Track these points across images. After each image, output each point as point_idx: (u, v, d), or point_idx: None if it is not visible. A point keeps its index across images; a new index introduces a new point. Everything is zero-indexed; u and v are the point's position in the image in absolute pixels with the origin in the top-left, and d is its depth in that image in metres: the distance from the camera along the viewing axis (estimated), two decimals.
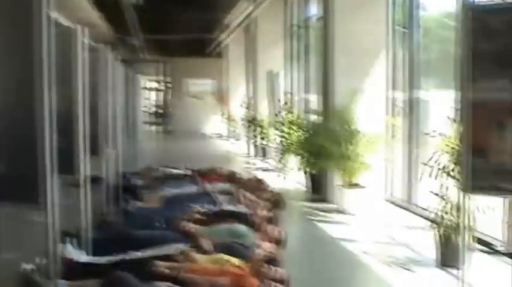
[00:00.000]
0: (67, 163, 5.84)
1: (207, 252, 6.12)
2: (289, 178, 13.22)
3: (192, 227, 7.07)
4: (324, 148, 9.98)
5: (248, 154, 19.35)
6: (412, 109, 9.91)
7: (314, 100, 15.24)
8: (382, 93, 10.48)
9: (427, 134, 8.43)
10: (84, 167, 6.26)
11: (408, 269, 6.66)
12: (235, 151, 20.94)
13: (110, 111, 8.69)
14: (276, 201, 8.77)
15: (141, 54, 29.56)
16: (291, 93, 15.78)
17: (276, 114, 15.35)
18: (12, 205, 4.74)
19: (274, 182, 12.13)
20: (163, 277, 5.43)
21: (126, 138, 12.54)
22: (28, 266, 5.20)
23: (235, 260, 5.81)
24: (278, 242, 6.81)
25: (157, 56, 30.77)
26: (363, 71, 10.32)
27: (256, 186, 9.95)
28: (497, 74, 5.29)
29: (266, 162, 17.27)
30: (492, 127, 5.27)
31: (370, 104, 10.12)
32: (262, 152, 18.12)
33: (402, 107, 10.31)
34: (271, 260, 6.12)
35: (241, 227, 7.04)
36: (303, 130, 11.71)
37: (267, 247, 6.42)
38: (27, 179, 4.43)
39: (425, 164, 6.79)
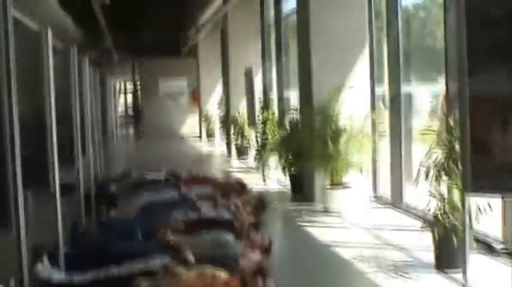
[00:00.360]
0: (39, 174, 5.45)
1: (190, 265, 5.71)
2: (269, 178, 12.81)
3: (173, 238, 6.65)
4: (304, 146, 9.61)
5: (227, 154, 18.90)
6: (397, 104, 9.54)
7: (293, 97, 14.99)
8: (365, 88, 10.10)
9: (423, 132, 8.05)
10: (56, 177, 5.85)
11: (405, 275, 6.28)
12: (213, 152, 20.53)
13: (82, 116, 8.30)
14: (259, 204, 8.36)
15: (112, 55, 29.02)
16: (268, 90, 15.37)
17: (254, 113, 14.98)
18: None
19: (254, 183, 11.75)
20: None
21: (100, 142, 12.15)
22: None
23: (221, 273, 5.41)
24: (265, 250, 6.39)
25: (128, 56, 30.27)
26: (344, 66, 9.96)
27: (238, 189, 9.55)
28: (496, 66, 4.97)
29: (245, 162, 16.87)
30: (494, 123, 4.95)
31: (353, 100, 9.75)
32: (241, 152, 17.72)
33: (387, 102, 9.95)
34: (259, 271, 5.74)
35: (225, 236, 6.63)
36: (281, 129, 11.29)
37: (254, 256, 6.02)
38: None
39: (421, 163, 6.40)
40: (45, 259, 5.82)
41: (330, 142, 9.40)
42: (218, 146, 21.69)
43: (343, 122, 9.56)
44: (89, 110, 9.81)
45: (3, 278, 5.08)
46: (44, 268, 5.71)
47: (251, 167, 15.18)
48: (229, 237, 6.55)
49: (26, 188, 4.23)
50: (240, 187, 9.60)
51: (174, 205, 8.50)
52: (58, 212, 5.89)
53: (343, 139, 9.43)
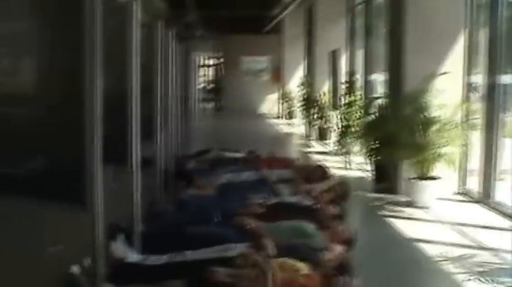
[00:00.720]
0: (117, 149, 5.25)
1: (269, 255, 5.41)
2: (351, 164, 12.39)
3: (254, 224, 6.36)
4: (394, 135, 9.16)
5: (307, 135, 18.51)
6: (493, 94, 8.99)
7: (379, 81, 14.50)
8: (459, 76, 9.57)
9: None
10: (138, 153, 5.65)
11: (495, 280, 5.83)
12: (291, 132, 20.18)
13: (165, 91, 8.11)
14: (342, 192, 7.99)
15: (195, 30, 28.92)
16: (353, 73, 14.89)
17: (338, 95, 14.60)
18: (55, 204, 4.13)
19: (334, 168, 11.41)
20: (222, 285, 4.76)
21: (181, 117, 11.98)
22: (75, 269, 4.58)
23: (302, 266, 5.10)
24: (348, 243, 6.03)
25: (211, 32, 30.14)
26: (438, 52, 9.45)
27: (319, 174, 9.20)
28: None
29: (325, 145, 16.48)
30: None
31: (445, 89, 9.24)
32: (322, 135, 17.33)
33: (481, 92, 9.41)
34: (343, 266, 5.42)
35: (307, 225, 6.30)
36: (368, 113, 10.84)
37: (338, 250, 5.66)
38: (72, 176, 3.80)
39: None
40: (121, 238, 5.63)
41: (419, 132, 8.94)
42: (297, 127, 21.31)
43: (434, 111, 9.08)
44: (172, 85, 9.64)
45: (79, 257, 4.92)
46: (119, 247, 5.53)
47: (332, 151, 14.75)
48: (311, 227, 6.22)
49: (104, 164, 4.00)
50: (322, 172, 9.26)
51: (253, 187, 8.23)
52: (137, 190, 5.69)
53: (433, 129, 8.95)
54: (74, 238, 6.39)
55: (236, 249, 5.37)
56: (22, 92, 3.92)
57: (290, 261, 5.14)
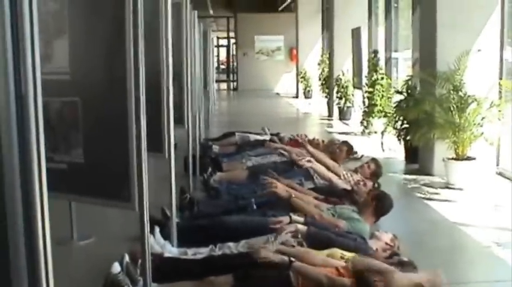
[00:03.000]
0: (153, 140, 4.97)
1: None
2: (374, 142, 12.05)
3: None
4: (428, 114, 8.84)
5: (327, 115, 18.17)
6: None
7: (405, 59, 14.18)
8: (495, 53, 9.21)
9: None
10: (172, 140, 5.39)
11: None
12: (311, 113, 19.84)
13: (191, 72, 7.83)
14: (375, 172, 7.70)
15: (210, 9, 28.55)
16: (377, 51, 14.53)
17: (361, 74, 14.27)
18: (99, 200, 3.86)
19: (360, 148, 11.08)
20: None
21: (202, 99, 11.72)
22: (115, 270, 4.32)
23: (350, 257, 4.81)
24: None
25: (225, 10, 29.77)
26: (472, 27, 9.08)
27: (347, 154, 8.90)
28: None
29: (347, 125, 16.17)
30: None
31: (480, 66, 8.89)
32: (342, 114, 17.02)
33: None
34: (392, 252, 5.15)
35: (351, 211, 6.02)
36: (399, 93, 10.50)
37: (387, 239, 5.35)
38: (116, 172, 3.52)
39: None
40: (157, 231, 5.38)
41: (455, 111, 8.62)
42: (316, 106, 20.98)
43: (469, 89, 8.74)
44: (196, 67, 9.37)
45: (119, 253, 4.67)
46: (156, 242, 5.27)
47: (354, 132, 14.43)
48: (354, 214, 5.93)
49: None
50: (349, 152, 8.95)
51: (283, 170, 7.97)
52: (172, 179, 5.43)
53: (470, 108, 8.61)
54: (113, 231, 6.20)
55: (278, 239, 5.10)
56: (62, 79, 3.64)
57: (338, 251, 4.87)
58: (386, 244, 5.28)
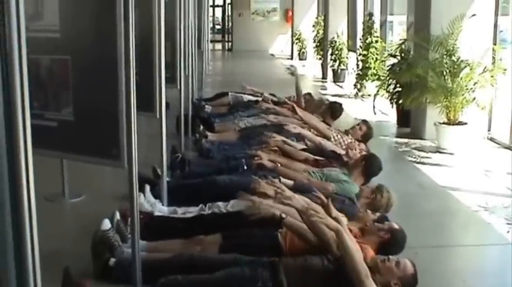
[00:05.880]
0: (145, 99, 4.98)
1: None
2: (367, 105, 12.05)
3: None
4: (421, 78, 8.84)
5: (322, 77, 18.11)
6: None
7: (400, 23, 14.10)
8: (489, 18, 9.18)
9: None
10: (163, 100, 5.39)
11: None
12: (304, 74, 19.77)
13: (184, 32, 7.80)
14: (366, 134, 7.70)
15: None
16: (372, 14, 14.45)
17: (355, 36, 14.23)
18: (90, 158, 3.88)
19: (353, 111, 11.11)
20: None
21: (196, 58, 11.66)
22: (105, 226, 4.35)
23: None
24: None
25: None
26: None
27: (336, 112, 8.80)
28: None
29: (339, 87, 16.15)
30: None
31: (474, 31, 8.88)
32: (336, 77, 16.98)
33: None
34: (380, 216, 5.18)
35: (339, 173, 6.05)
36: (392, 56, 10.49)
37: (367, 193, 5.41)
38: (106, 130, 3.54)
39: None
40: (148, 190, 5.41)
41: (448, 75, 8.62)
42: (310, 68, 20.91)
43: (462, 54, 8.74)
44: (190, 26, 9.32)
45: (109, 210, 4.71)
46: (147, 200, 5.31)
47: (347, 94, 14.40)
48: (342, 175, 5.96)
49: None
50: (338, 110, 8.81)
51: (275, 132, 7.96)
52: (163, 138, 5.45)
53: (463, 73, 8.62)
54: (104, 190, 6.23)
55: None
56: (52, 37, 3.63)
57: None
58: (367, 197, 5.35)
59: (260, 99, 10.27)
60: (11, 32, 1.55)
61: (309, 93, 10.10)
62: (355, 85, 14.04)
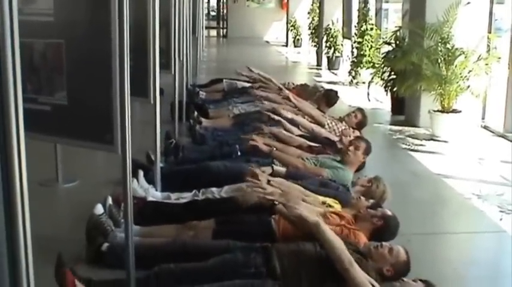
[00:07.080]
0: (139, 85, 4.97)
1: None
2: (361, 92, 12.02)
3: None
4: (415, 66, 8.84)
5: (317, 65, 18.06)
6: None
7: (395, 10, 14.09)
8: (484, 6, 9.18)
9: None
10: (157, 85, 5.37)
11: None
12: (299, 61, 19.76)
13: (178, 19, 7.77)
14: (360, 122, 7.70)
15: None
16: (367, 1, 14.44)
17: (350, 24, 14.22)
18: (83, 143, 3.88)
19: (348, 98, 11.09)
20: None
21: (190, 45, 11.62)
22: (98, 211, 4.35)
23: (335, 205, 4.87)
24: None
25: None
26: None
27: (331, 99, 8.80)
28: None
29: (334, 74, 16.14)
30: None
31: (469, 19, 8.87)
32: (331, 64, 16.96)
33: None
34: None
35: (333, 160, 6.06)
36: (387, 43, 10.48)
37: (364, 181, 5.43)
38: (100, 115, 3.53)
39: None
40: (141, 175, 5.41)
41: (442, 63, 8.63)
42: (305, 55, 20.89)
43: (457, 42, 8.75)
44: (185, 12, 9.29)
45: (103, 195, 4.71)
46: (140, 185, 5.31)
47: (342, 81, 14.39)
48: (336, 162, 5.97)
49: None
50: (333, 97, 8.81)
51: (268, 117, 7.96)
52: (157, 124, 5.44)
53: (457, 61, 8.63)
54: (98, 175, 6.22)
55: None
56: (46, 20, 3.62)
57: (320, 198, 4.92)
58: (363, 186, 5.36)
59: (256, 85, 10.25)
60: (3, 15, 1.54)
61: (305, 84, 10.12)
62: (349, 72, 14.03)
